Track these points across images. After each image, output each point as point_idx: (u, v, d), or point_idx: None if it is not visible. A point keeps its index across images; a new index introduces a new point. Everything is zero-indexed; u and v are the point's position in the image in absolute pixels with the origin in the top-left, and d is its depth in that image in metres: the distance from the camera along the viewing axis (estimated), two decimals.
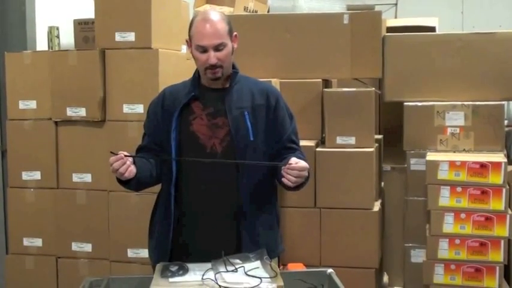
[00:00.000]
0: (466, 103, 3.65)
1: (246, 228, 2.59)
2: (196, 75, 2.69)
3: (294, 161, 2.44)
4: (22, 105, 3.71)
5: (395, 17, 6.82)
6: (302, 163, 2.44)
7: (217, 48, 2.53)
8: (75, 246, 3.67)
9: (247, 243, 2.56)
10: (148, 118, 2.76)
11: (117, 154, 2.45)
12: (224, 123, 2.59)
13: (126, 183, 2.55)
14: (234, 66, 2.69)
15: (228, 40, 2.57)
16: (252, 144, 2.58)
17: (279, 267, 2.64)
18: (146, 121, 2.77)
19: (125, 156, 2.45)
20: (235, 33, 2.64)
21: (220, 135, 2.59)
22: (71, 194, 3.66)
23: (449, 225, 3.40)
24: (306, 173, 2.46)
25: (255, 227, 2.61)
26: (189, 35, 2.62)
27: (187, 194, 2.62)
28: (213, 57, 2.52)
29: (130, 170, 2.46)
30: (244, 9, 4.98)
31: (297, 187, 2.51)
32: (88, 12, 3.79)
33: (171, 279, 2.22)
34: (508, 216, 3.34)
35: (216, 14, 2.59)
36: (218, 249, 2.35)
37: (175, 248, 2.64)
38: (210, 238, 2.59)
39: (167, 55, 3.56)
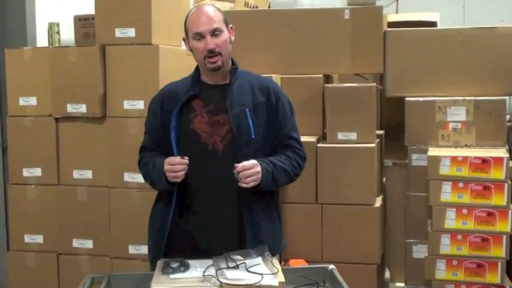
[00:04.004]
0: (467, 98, 3.64)
1: (249, 224, 2.58)
2: (196, 72, 2.69)
3: (239, 165, 2.47)
4: (22, 101, 3.70)
5: (397, 12, 6.80)
6: (245, 163, 2.48)
7: (214, 33, 2.55)
8: (76, 243, 3.66)
9: (251, 239, 2.56)
10: (148, 117, 2.76)
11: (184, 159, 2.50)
12: (225, 120, 2.58)
13: (168, 185, 2.57)
14: (233, 63, 2.68)
15: (224, 27, 2.59)
16: (253, 141, 2.58)
17: (280, 263, 2.64)
18: (147, 119, 2.77)
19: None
20: (230, 25, 2.66)
21: (221, 132, 2.58)
22: (71, 191, 3.65)
23: (451, 220, 3.39)
24: (258, 169, 2.48)
25: (258, 223, 2.60)
26: (185, 30, 2.64)
27: (189, 191, 2.61)
28: (210, 42, 2.54)
29: (182, 175, 2.52)
30: (245, 4, 4.97)
31: (275, 182, 2.58)
32: (88, 8, 3.77)
33: (172, 276, 2.22)
34: (510, 212, 3.33)
35: (208, 5, 2.64)
36: (221, 246, 2.36)
37: (177, 244, 2.63)
38: (212, 235, 2.59)
39: (167, 51, 3.55)
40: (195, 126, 2.60)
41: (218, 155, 2.58)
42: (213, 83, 2.65)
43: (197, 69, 2.69)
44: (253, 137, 2.57)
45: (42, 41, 4.71)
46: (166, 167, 2.52)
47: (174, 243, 2.62)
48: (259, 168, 2.50)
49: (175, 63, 3.58)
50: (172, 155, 2.56)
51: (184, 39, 2.68)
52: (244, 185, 2.48)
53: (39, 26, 4.72)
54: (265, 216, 2.65)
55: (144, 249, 3.47)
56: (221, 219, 2.60)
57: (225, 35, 2.59)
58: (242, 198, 2.57)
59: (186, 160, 2.50)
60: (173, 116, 2.59)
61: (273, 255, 2.42)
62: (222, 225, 2.60)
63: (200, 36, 2.56)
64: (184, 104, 2.61)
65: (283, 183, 2.68)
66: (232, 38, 2.65)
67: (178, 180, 2.52)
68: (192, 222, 2.62)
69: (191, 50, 2.63)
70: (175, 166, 2.50)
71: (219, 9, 2.64)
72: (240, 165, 2.46)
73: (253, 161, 2.50)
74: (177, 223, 2.62)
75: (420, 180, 3.61)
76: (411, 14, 5.01)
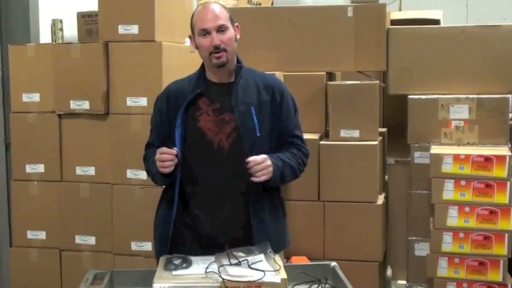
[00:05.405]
0: (470, 96, 3.64)
1: (256, 221, 2.59)
2: (202, 70, 2.69)
3: (251, 159, 2.49)
4: (25, 98, 3.71)
5: (400, 10, 6.77)
6: (256, 157, 2.49)
7: (220, 29, 2.56)
8: (78, 239, 3.67)
9: (258, 235, 2.56)
10: (154, 114, 2.76)
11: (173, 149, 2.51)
12: (231, 118, 2.59)
13: (163, 177, 2.59)
14: (239, 61, 2.69)
15: (229, 25, 2.60)
16: (258, 139, 2.59)
17: (285, 258, 2.65)
18: (152, 117, 2.78)
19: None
20: (236, 23, 2.67)
21: (227, 130, 2.59)
22: (74, 187, 3.66)
23: (453, 218, 3.39)
24: (268, 162, 2.50)
25: (264, 220, 2.61)
26: (191, 27, 2.65)
27: (195, 189, 2.62)
28: (216, 38, 2.55)
29: (171, 167, 2.52)
30: (248, 1, 4.97)
31: (283, 178, 2.60)
32: (91, 4, 3.78)
33: (174, 272, 2.22)
34: None
35: (214, 3, 2.65)
36: (227, 242, 2.36)
37: (183, 241, 2.64)
38: (219, 231, 2.59)
39: (170, 48, 3.56)
40: (201, 124, 2.60)
41: (224, 153, 2.58)
42: (219, 81, 2.65)
43: (202, 67, 2.70)
44: (258, 135, 2.58)
45: (45, 37, 4.71)
46: (156, 156, 2.54)
47: (180, 240, 2.63)
48: (269, 162, 2.52)
49: (178, 60, 3.59)
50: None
51: (190, 37, 2.68)
52: (256, 179, 2.49)
53: (43, 22, 4.72)
54: (271, 212, 2.66)
55: (146, 246, 3.49)
56: (227, 216, 2.60)
57: (231, 32, 2.60)
58: (248, 195, 2.58)
59: (174, 150, 2.50)
60: (179, 114, 2.59)
61: (278, 250, 2.44)
62: (228, 222, 2.60)
63: (206, 32, 2.57)
64: (190, 102, 2.61)
65: (289, 180, 2.70)
66: (238, 36, 2.66)
67: (166, 170, 2.52)
68: (198, 219, 2.62)
69: (197, 47, 2.64)
70: (163, 155, 2.51)
71: (224, 7, 2.65)
72: (252, 160, 2.47)
73: (263, 156, 2.51)
74: (182, 220, 2.63)
75: (422, 178, 3.60)
76: (414, 12, 4.99)
